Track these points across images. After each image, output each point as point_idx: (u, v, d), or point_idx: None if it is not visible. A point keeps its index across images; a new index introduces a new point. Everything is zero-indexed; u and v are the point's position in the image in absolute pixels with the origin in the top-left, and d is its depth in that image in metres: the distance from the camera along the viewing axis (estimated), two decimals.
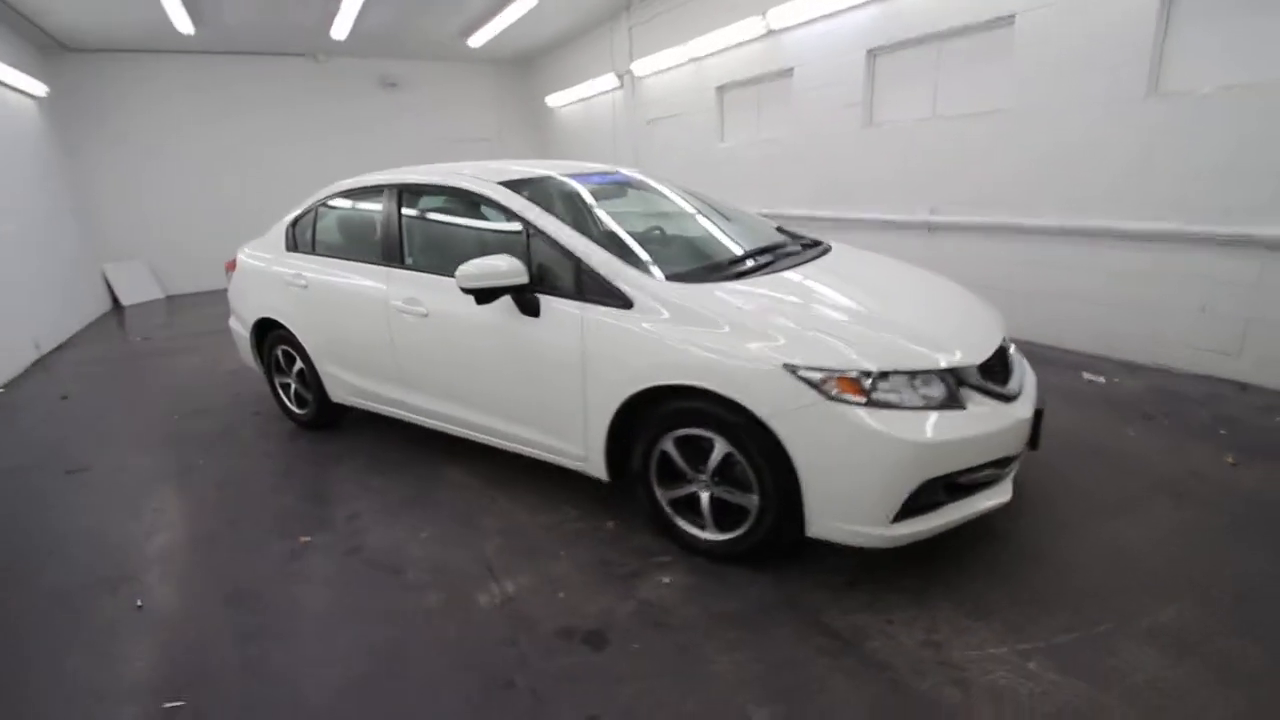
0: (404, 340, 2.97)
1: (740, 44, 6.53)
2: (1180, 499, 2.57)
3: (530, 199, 2.63)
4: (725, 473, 2.19)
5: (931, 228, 5.13)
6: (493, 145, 11.34)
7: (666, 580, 2.24)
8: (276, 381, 3.90)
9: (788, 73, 6.16)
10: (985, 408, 2.02)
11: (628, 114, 8.78)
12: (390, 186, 3.13)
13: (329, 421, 3.74)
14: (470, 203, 2.91)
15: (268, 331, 3.75)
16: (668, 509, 2.37)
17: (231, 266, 4.01)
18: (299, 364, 3.65)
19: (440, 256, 2.95)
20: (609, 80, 8.84)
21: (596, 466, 2.49)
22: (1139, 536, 2.35)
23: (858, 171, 5.65)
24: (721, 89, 7.09)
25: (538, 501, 2.81)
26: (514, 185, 2.74)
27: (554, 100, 10.52)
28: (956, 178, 4.92)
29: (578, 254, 2.40)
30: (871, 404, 1.89)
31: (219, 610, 2.24)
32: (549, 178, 2.96)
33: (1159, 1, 3.63)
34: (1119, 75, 3.87)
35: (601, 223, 2.74)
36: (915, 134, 5.15)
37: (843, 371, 1.91)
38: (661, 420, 2.25)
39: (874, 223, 5.56)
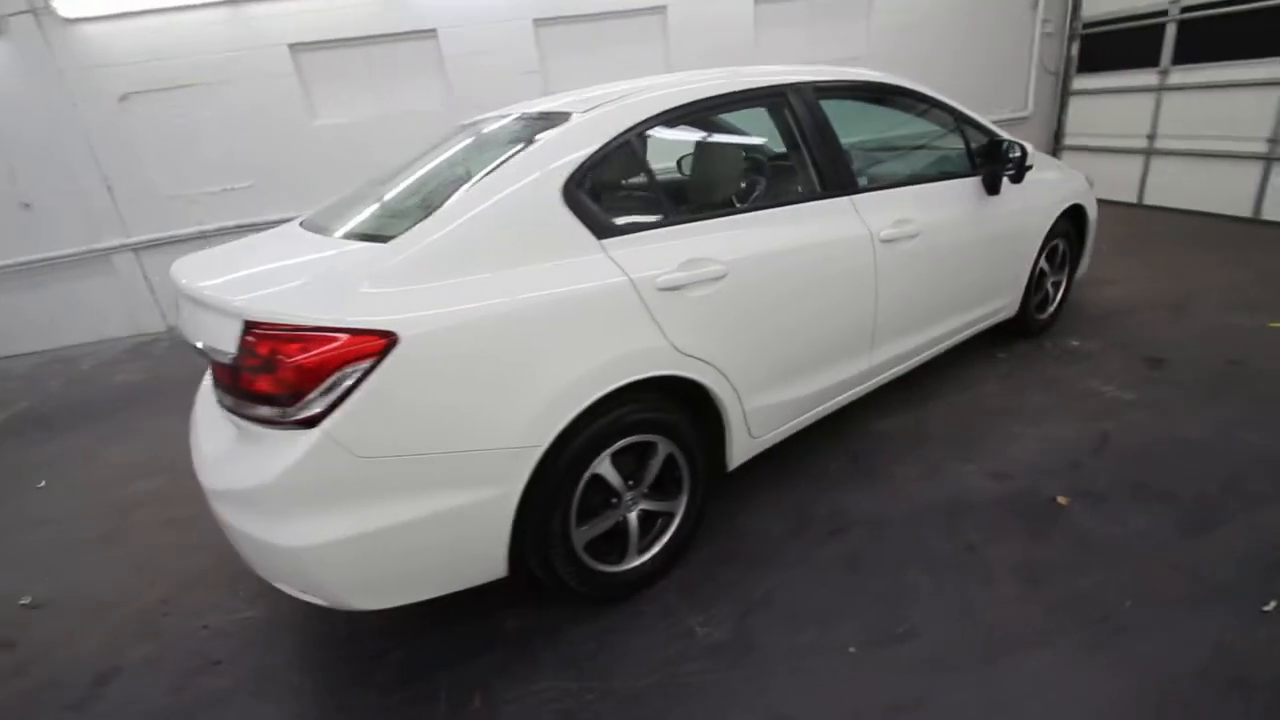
0: (893, 281, 2.40)
1: None
2: None
3: None
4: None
5: None
6: None
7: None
8: (580, 534, 1.82)
9: (429, 34, 5.47)
10: None
11: (46, 86, 5.02)
12: (793, 88, 2.21)
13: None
14: (870, 100, 2.55)
15: (567, 443, 1.71)
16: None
17: (321, 354, 1.39)
18: (664, 453, 1.93)
19: (893, 165, 2.54)
20: None
21: (1017, 303, 3.15)
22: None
23: None
24: (299, 48, 5.35)
25: (975, 417, 2.79)
26: None
27: None
28: None
29: (1004, 136, 2.88)
30: None
31: None
32: None
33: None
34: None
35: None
36: None
37: None
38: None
39: None
